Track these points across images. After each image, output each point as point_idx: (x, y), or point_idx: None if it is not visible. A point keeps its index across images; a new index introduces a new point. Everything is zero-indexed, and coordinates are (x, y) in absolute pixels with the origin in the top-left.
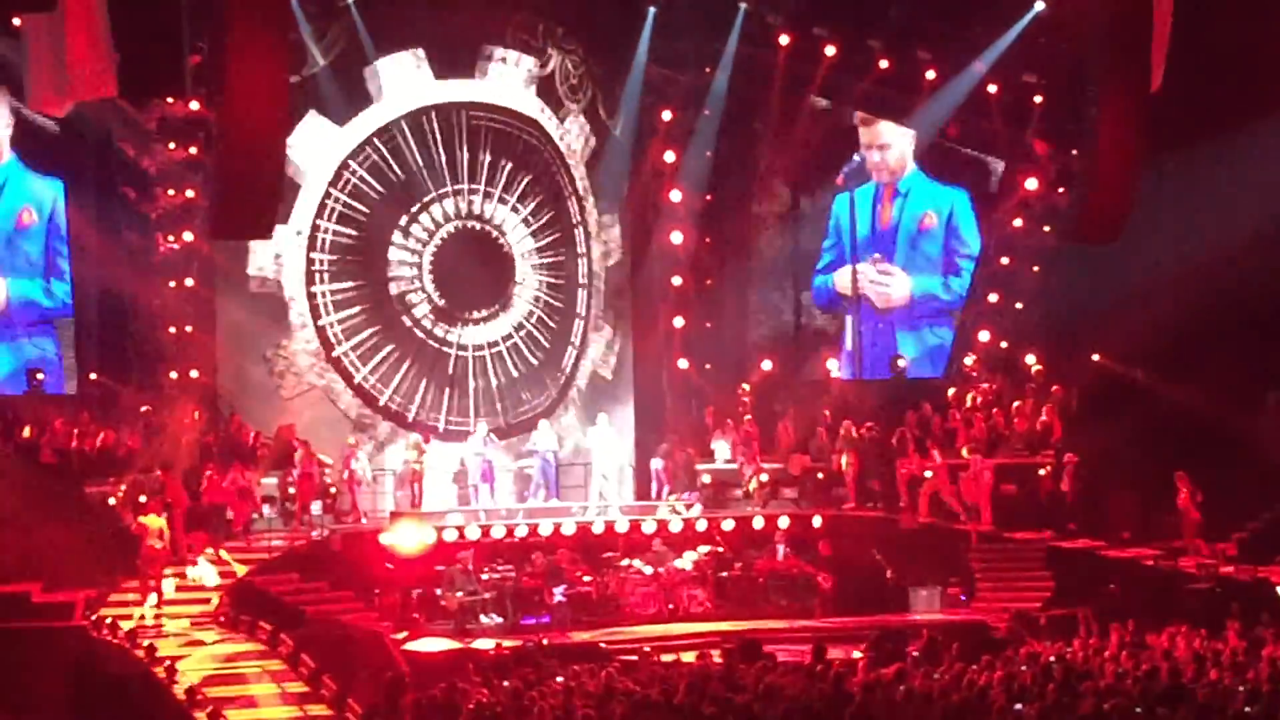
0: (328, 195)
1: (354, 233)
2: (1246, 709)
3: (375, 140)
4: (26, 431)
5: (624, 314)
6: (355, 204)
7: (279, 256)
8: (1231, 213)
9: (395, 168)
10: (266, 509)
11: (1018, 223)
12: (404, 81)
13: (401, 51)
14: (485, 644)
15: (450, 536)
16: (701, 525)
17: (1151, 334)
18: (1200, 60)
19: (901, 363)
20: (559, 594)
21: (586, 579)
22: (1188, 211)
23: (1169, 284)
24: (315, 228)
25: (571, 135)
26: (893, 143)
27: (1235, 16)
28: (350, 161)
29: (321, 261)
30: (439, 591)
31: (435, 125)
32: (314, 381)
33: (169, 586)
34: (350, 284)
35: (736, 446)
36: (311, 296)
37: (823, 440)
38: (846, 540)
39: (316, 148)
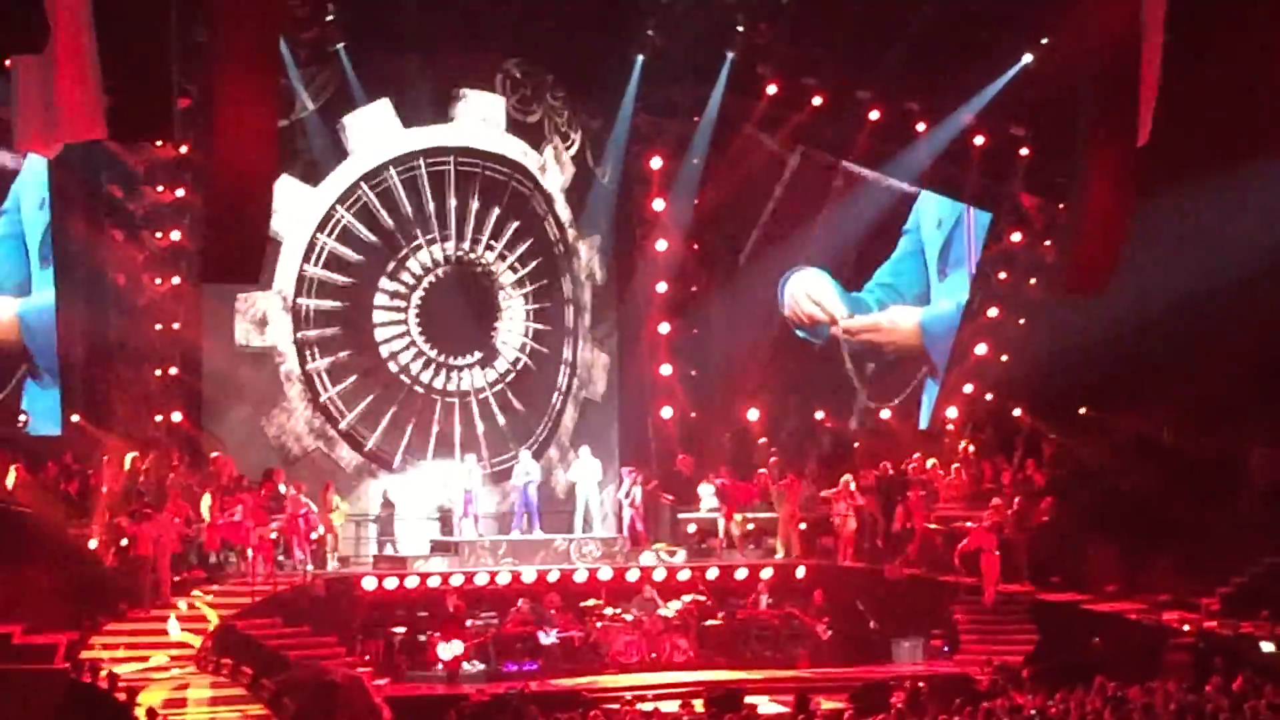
0: (308, 255)
1: (339, 288)
2: None
3: (355, 192)
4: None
5: (609, 359)
6: (336, 263)
7: (264, 318)
8: (1215, 261)
9: (372, 222)
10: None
11: (1003, 275)
12: (377, 133)
13: (382, 99)
14: (468, 691)
15: (433, 583)
16: (684, 574)
17: (1135, 384)
18: (1187, 102)
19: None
20: (546, 639)
21: (570, 626)
22: (1171, 259)
23: (1151, 334)
24: (299, 288)
25: (551, 169)
26: None
27: (1223, 60)
28: (330, 217)
29: (308, 312)
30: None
31: (413, 175)
32: (310, 446)
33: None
34: (338, 336)
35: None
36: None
37: (810, 490)
38: (830, 590)
39: (294, 208)
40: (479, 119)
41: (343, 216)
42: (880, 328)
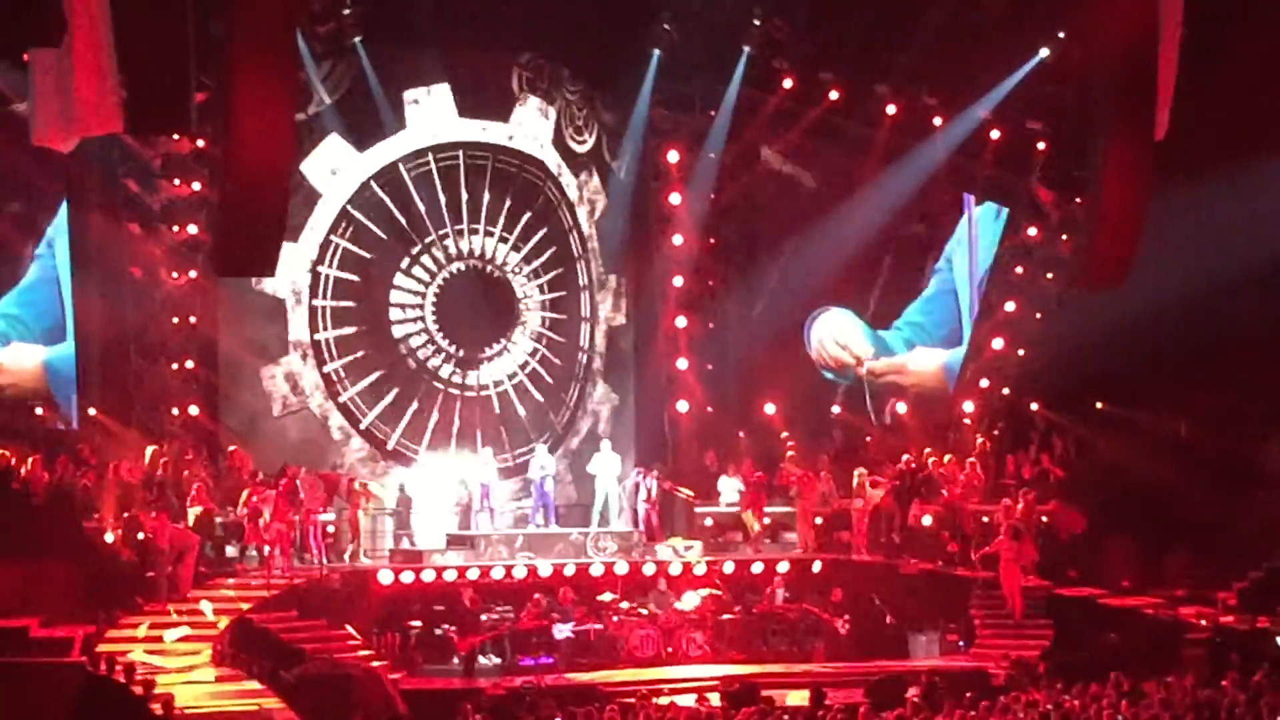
0: (329, 237)
1: (360, 263)
2: None
3: (392, 170)
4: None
5: (628, 353)
6: (354, 253)
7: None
8: (1232, 254)
9: (398, 207)
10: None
11: (1019, 270)
12: (420, 117)
13: (421, 87)
14: (484, 685)
15: (450, 576)
16: (700, 569)
17: (1152, 379)
18: (1204, 96)
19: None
20: (563, 633)
21: (586, 620)
22: (1189, 252)
23: (1171, 326)
24: (321, 256)
25: (574, 175)
26: None
27: (1240, 54)
28: (353, 201)
29: (325, 295)
30: None
31: (429, 168)
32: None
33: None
34: (354, 328)
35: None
36: (314, 335)
37: (827, 486)
38: (846, 585)
39: (335, 172)
40: (500, 116)
41: (374, 193)
42: (905, 370)
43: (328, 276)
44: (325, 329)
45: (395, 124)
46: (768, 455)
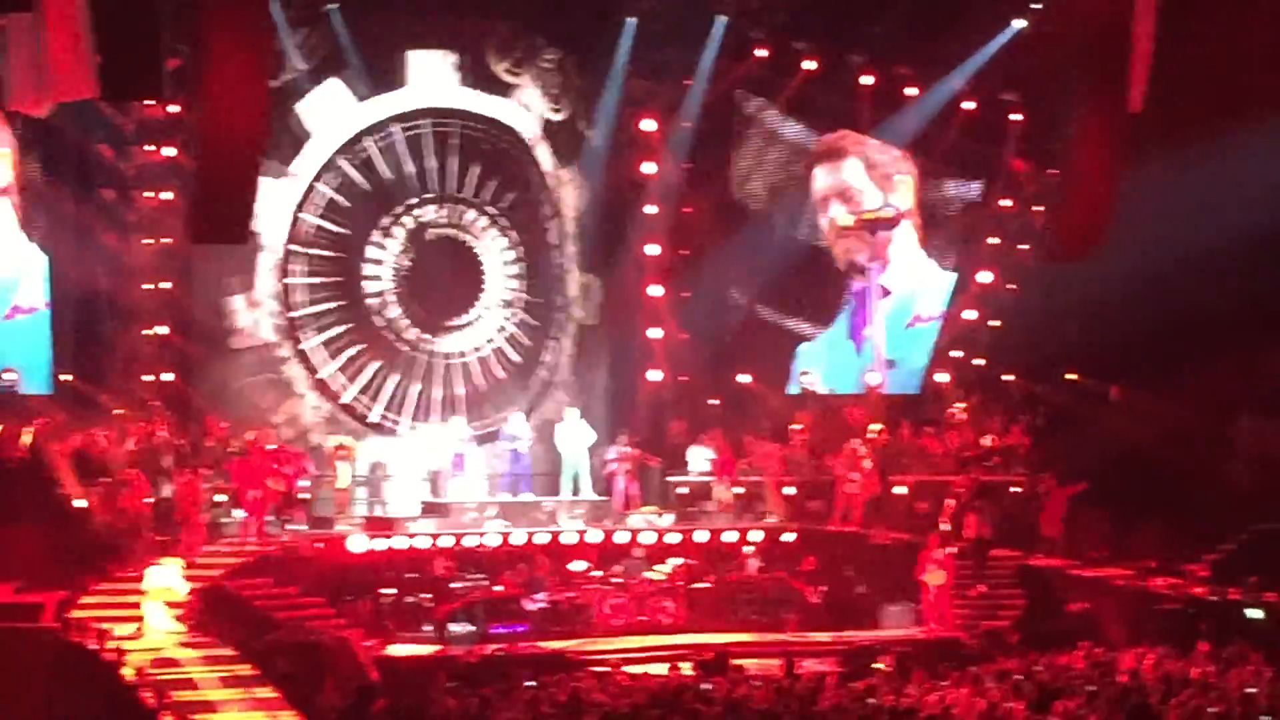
0: (305, 199)
1: (333, 234)
2: None
3: (356, 143)
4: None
5: (599, 323)
6: (332, 210)
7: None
8: (1205, 227)
9: (371, 174)
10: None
11: (994, 240)
12: (421, 80)
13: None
14: (456, 653)
15: (422, 544)
16: (673, 537)
17: (1124, 351)
18: (1177, 70)
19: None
20: (537, 602)
21: (558, 588)
22: (1161, 225)
23: (1143, 299)
24: (292, 232)
25: (548, 144)
26: None
27: (1215, 27)
28: (334, 161)
29: (298, 259)
30: None
31: (413, 134)
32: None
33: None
34: (325, 283)
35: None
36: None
37: (795, 456)
38: (818, 555)
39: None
40: (473, 83)
41: (340, 171)
42: None
43: (306, 222)
44: (297, 275)
45: (370, 90)
46: (740, 425)
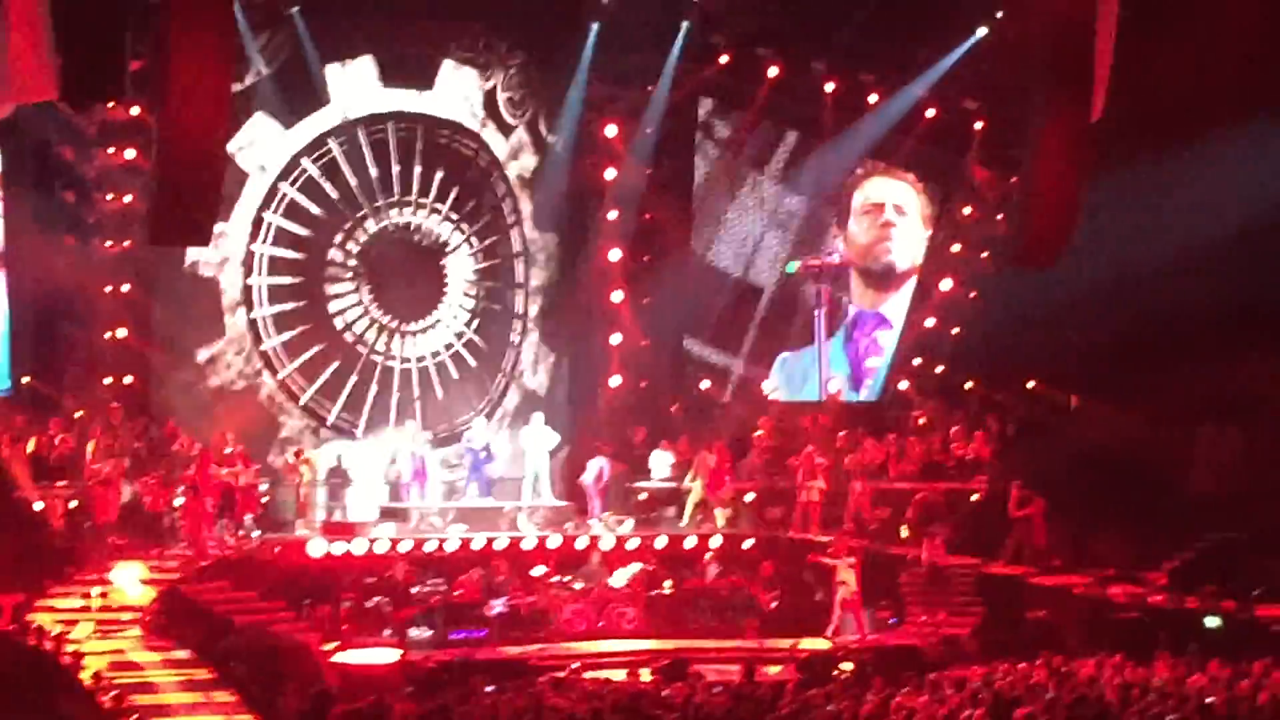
0: (269, 201)
1: (295, 239)
2: None
3: (322, 145)
4: None
5: (560, 328)
6: (294, 216)
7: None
8: (1168, 235)
9: (333, 180)
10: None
11: (956, 248)
12: (354, 89)
13: (348, 60)
14: (415, 658)
15: (382, 548)
16: (633, 543)
17: (1085, 359)
18: (1139, 77)
19: (833, 386)
20: (496, 607)
21: (518, 594)
22: (1124, 233)
23: (1104, 307)
24: (255, 233)
25: (516, 155)
26: None
27: (1176, 34)
28: (291, 169)
29: (261, 259)
30: None
31: (376, 138)
32: (241, 387)
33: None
34: (288, 287)
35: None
36: (247, 294)
37: (754, 463)
38: (777, 561)
39: (264, 148)
40: (458, 93)
41: (289, 191)
42: None
43: (262, 255)
44: (262, 306)
45: (330, 93)
46: (700, 431)
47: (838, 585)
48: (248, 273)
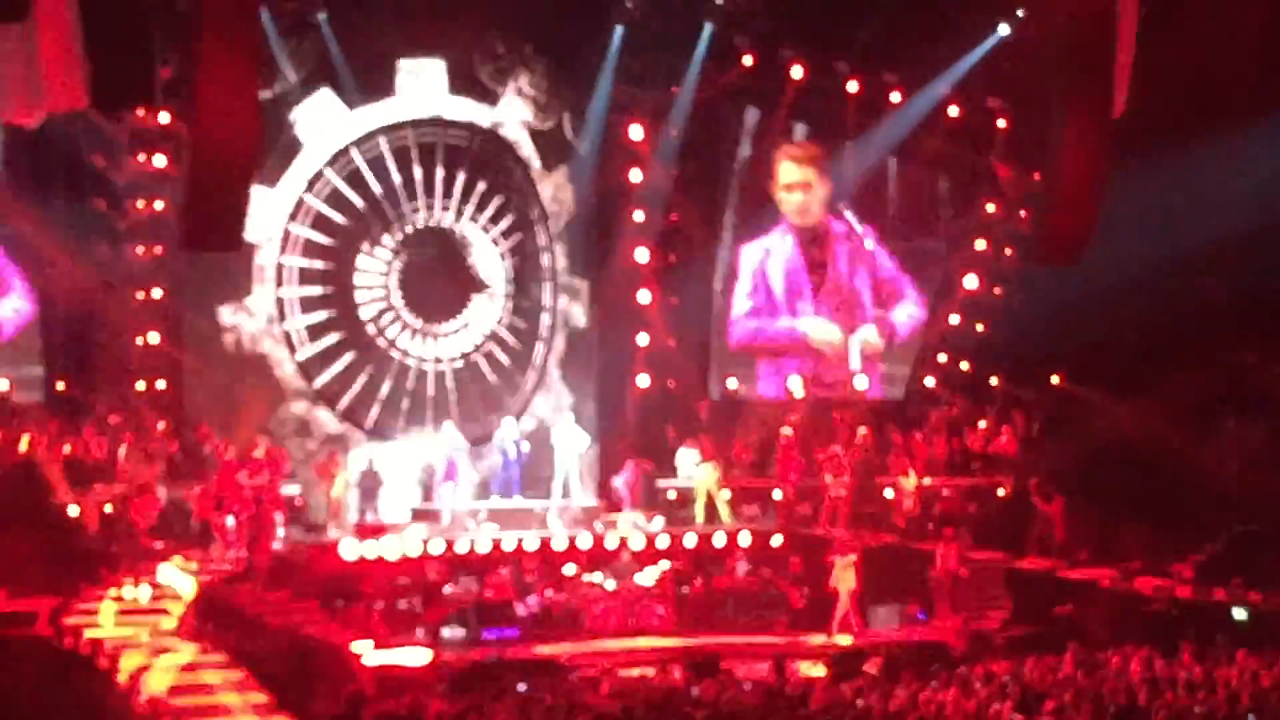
0: (295, 213)
1: (324, 248)
2: None
3: (346, 153)
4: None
5: (589, 326)
6: (325, 219)
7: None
8: (1189, 230)
9: (360, 184)
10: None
11: (980, 245)
12: (411, 90)
13: (370, 67)
14: (447, 657)
15: (414, 549)
16: (663, 541)
17: (1110, 353)
18: (1160, 74)
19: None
20: (528, 607)
21: (548, 593)
22: (1146, 228)
23: (1127, 302)
24: (285, 241)
25: (537, 150)
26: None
27: (1197, 30)
28: (322, 174)
29: (291, 271)
30: None
31: (403, 144)
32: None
33: (140, 593)
34: (318, 292)
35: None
36: (281, 310)
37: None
38: (806, 558)
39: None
40: (463, 92)
41: (328, 183)
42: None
43: (297, 232)
44: (290, 284)
45: (360, 100)
46: (728, 429)
47: (837, 583)
48: (277, 279)
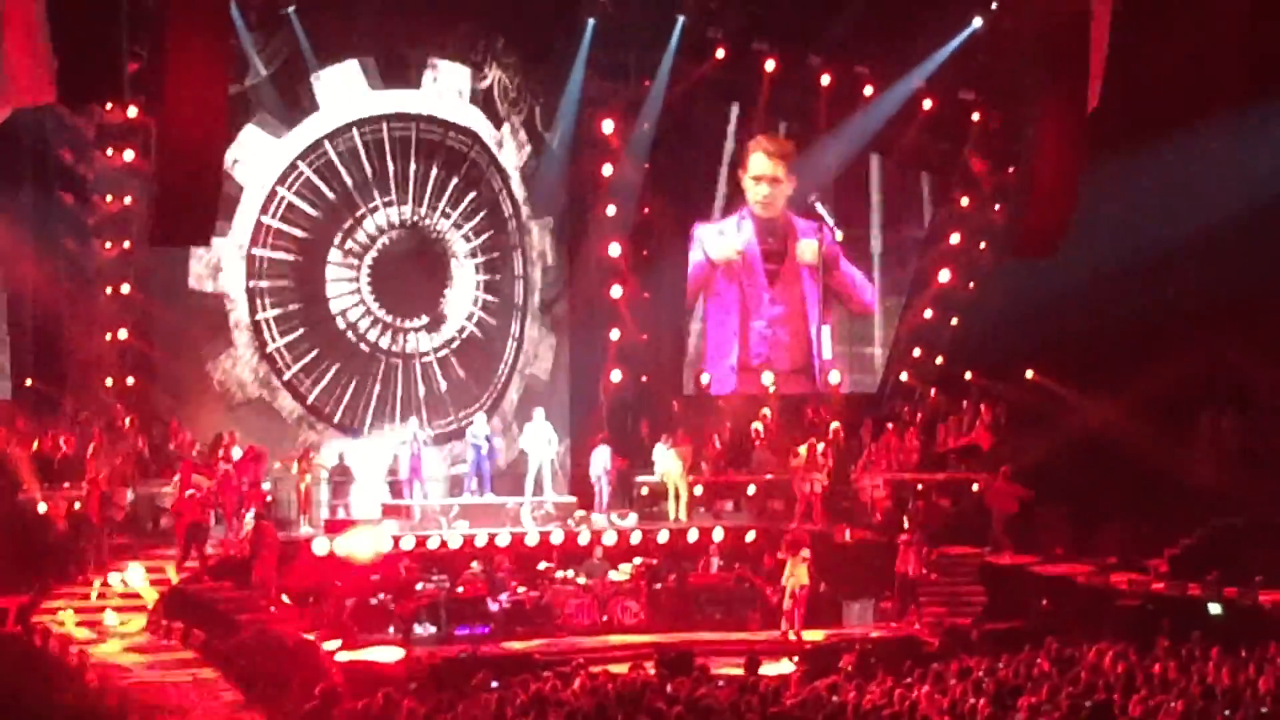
0: (267, 206)
1: (294, 241)
2: None
3: (319, 148)
4: None
5: (560, 321)
6: (294, 216)
7: (218, 264)
8: (1165, 224)
9: (333, 179)
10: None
11: (954, 239)
12: (344, 93)
13: (343, 62)
14: (419, 654)
15: (386, 547)
16: (636, 537)
17: (1085, 347)
18: (1136, 67)
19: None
20: (500, 603)
21: (521, 589)
22: (1121, 222)
23: (1103, 296)
24: (255, 238)
25: (509, 146)
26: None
27: (1171, 26)
28: (291, 171)
29: (262, 262)
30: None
31: (377, 137)
32: (253, 393)
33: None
34: (288, 286)
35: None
36: (251, 299)
37: (762, 453)
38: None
39: (257, 159)
40: (448, 89)
41: (303, 172)
42: None
43: (262, 259)
44: (265, 310)
45: (329, 94)
46: (700, 425)
47: (788, 580)
48: (250, 275)
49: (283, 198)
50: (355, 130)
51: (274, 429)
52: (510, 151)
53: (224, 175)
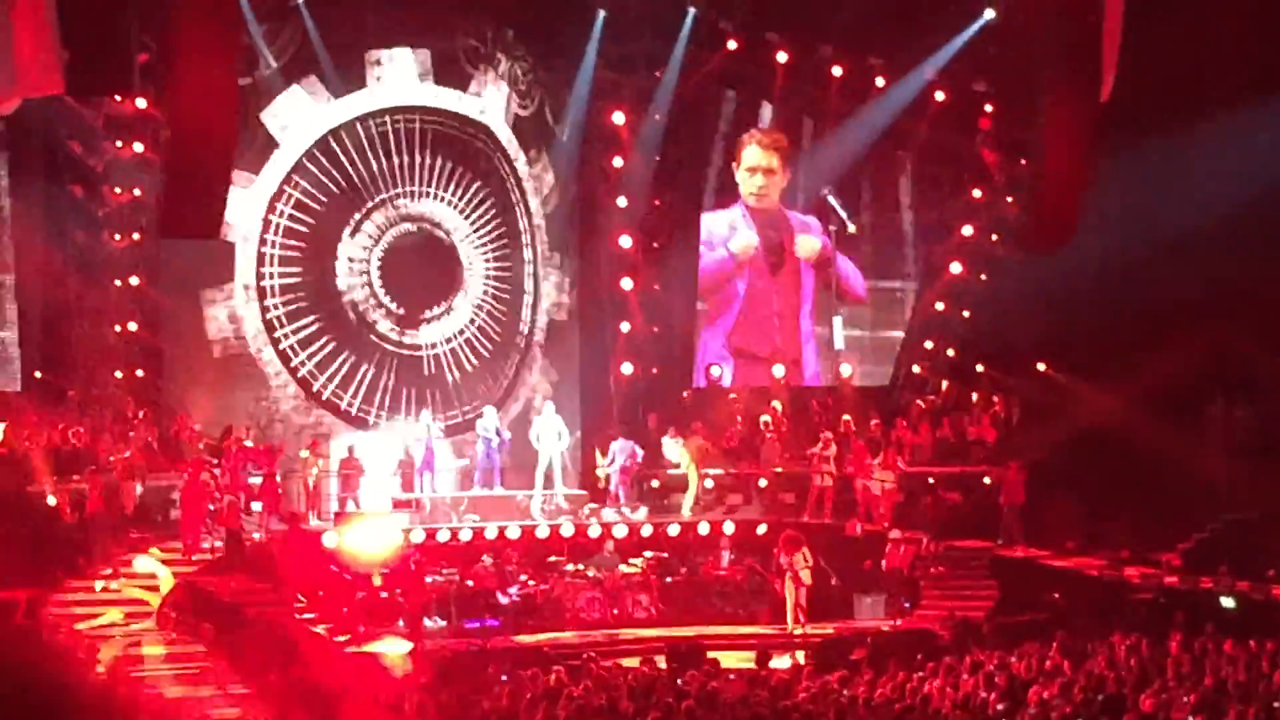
0: (277, 197)
1: (305, 230)
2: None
3: (326, 140)
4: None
5: (573, 315)
6: (305, 205)
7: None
8: (1176, 215)
9: (342, 171)
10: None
11: (967, 231)
12: (384, 80)
13: (350, 54)
14: (429, 648)
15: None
16: (647, 531)
17: (1095, 340)
18: (1146, 59)
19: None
20: (510, 596)
21: (531, 582)
22: (1133, 214)
23: (1114, 288)
24: (265, 225)
25: (518, 136)
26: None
27: (1182, 17)
28: (300, 164)
29: (272, 257)
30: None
31: (384, 130)
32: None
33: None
34: (298, 278)
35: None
36: (262, 296)
37: (772, 446)
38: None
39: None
40: (444, 78)
41: (309, 168)
42: None
43: (278, 224)
44: (271, 274)
45: (341, 88)
46: (713, 418)
47: (792, 579)
48: (261, 242)
49: (294, 188)
50: (365, 122)
51: (277, 416)
52: (524, 149)
53: (232, 161)
